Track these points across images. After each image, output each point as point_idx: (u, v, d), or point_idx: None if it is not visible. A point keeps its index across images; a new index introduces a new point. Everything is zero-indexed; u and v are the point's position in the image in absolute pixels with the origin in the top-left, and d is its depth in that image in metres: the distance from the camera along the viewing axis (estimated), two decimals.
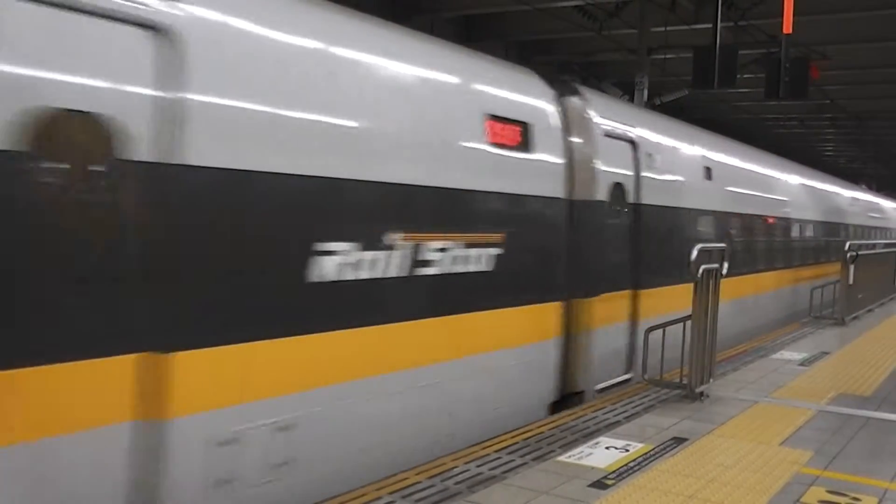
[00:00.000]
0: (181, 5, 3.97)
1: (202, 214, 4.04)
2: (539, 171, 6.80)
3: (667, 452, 5.51)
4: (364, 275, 4.96)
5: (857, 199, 23.75)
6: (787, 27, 12.02)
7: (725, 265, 7.42)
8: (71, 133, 3.53)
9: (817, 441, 5.94)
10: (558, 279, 7.12)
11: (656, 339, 7.37)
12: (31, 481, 3.40)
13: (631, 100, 16.31)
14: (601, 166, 7.71)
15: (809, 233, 16.58)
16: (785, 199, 14.76)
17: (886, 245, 19.20)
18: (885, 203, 30.81)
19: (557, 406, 7.11)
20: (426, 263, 5.48)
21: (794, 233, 15.31)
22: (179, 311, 3.91)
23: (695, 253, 6.94)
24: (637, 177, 8.53)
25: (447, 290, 5.70)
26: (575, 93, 7.77)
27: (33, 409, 3.39)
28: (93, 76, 3.56)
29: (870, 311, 14.68)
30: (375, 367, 5.12)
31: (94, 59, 3.57)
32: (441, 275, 5.61)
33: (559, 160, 7.08)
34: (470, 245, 5.90)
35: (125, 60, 3.70)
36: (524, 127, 6.61)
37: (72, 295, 3.53)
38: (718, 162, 11.30)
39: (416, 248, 5.38)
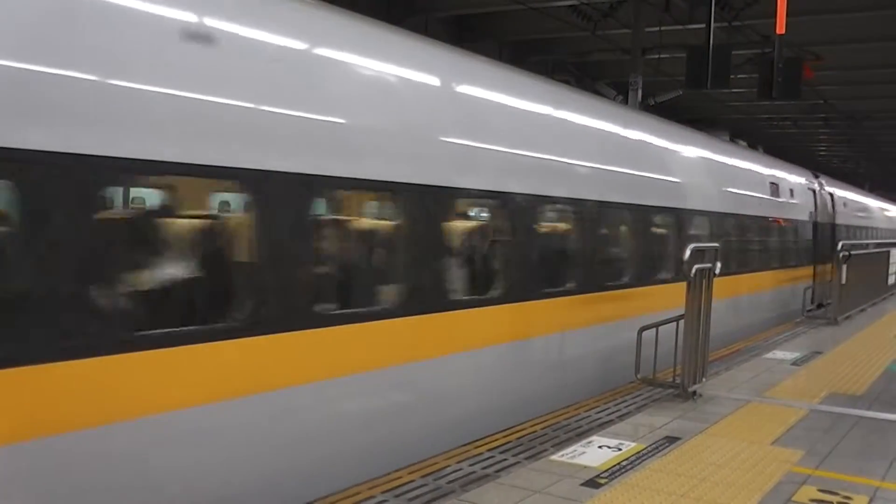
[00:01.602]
0: None
1: None
2: None
3: (659, 451, 5.52)
4: None
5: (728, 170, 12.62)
6: (781, 27, 12.04)
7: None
8: None
9: (809, 440, 5.95)
10: None
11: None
12: None
13: (625, 100, 16.36)
14: None
15: None
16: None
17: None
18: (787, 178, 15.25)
19: None
20: None
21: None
22: None
23: (688, 252, 6.93)
24: None
25: None
26: None
27: None
28: None
29: (862, 310, 14.73)
30: None
31: None
32: None
33: None
34: None
35: None
36: None
37: None
38: None
39: None
